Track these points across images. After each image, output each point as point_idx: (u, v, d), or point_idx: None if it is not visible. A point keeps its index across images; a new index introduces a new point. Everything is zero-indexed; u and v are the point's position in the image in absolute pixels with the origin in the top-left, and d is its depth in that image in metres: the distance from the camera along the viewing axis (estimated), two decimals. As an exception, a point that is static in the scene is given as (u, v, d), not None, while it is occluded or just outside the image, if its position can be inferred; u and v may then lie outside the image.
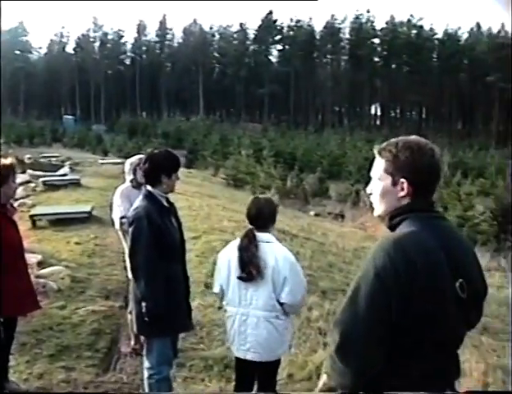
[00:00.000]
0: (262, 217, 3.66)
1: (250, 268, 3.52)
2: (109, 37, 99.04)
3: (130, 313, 4.62)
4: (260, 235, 3.62)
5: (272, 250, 3.59)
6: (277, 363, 3.78)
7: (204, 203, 14.01)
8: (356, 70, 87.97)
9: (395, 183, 1.99)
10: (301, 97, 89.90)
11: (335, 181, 27.48)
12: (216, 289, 3.82)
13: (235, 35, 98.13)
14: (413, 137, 2.08)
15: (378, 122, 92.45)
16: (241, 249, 3.59)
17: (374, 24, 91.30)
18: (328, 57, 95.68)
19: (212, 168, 29.54)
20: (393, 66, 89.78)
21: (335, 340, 1.84)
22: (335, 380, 1.90)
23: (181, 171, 4.57)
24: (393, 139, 2.07)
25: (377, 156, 2.08)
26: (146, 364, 3.87)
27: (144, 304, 3.63)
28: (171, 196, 3.99)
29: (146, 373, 3.87)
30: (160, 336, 3.79)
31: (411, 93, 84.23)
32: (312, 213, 19.87)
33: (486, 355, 6.15)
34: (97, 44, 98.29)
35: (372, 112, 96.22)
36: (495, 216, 13.45)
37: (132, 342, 5.33)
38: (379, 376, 1.83)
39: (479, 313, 2.08)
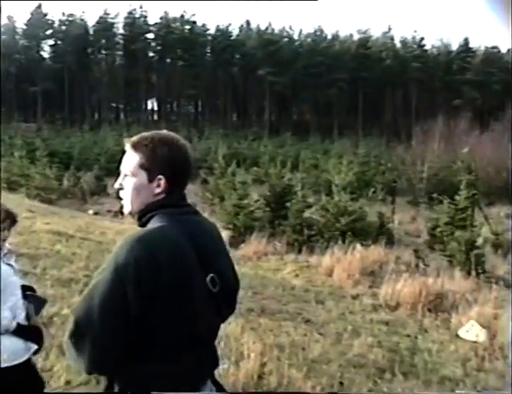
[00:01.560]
0: None
1: None
2: None
3: None
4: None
5: None
6: None
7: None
8: (131, 65, 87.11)
9: (151, 179, 1.94)
10: (76, 94, 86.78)
11: (113, 178, 27.03)
12: None
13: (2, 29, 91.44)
14: (166, 132, 2.05)
15: (156, 117, 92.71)
16: None
17: (147, 19, 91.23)
18: (103, 52, 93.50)
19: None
20: (168, 60, 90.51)
21: (69, 327, 1.80)
22: (72, 365, 1.88)
23: None
24: (147, 134, 2.00)
25: (129, 150, 1.98)
26: None
27: None
28: None
29: None
30: None
31: (187, 87, 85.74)
32: (90, 211, 19.42)
33: (263, 335, 6.53)
34: None
35: (149, 107, 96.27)
36: (268, 202, 14.31)
37: None
38: (140, 364, 1.83)
39: (233, 306, 2.14)
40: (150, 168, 1.93)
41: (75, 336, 1.79)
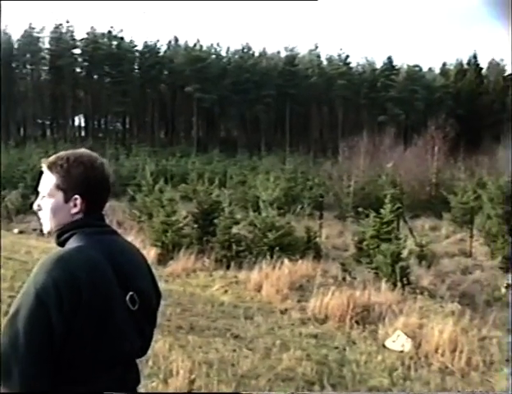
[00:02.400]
0: None
1: None
2: None
3: None
4: None
5: None
6: None
7: None
8: (58, 81, 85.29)
9: (67, 199, 1.95)
10: (0, 109, 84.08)
11: (39, 197, 26.40)
12: None
13: None
14: (83, 150, 2.06)
15: (83, 134, 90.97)
16: None
17: (74, 34, 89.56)
18: (28, 67, 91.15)
19: None
20: (95, 76, 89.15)
21: None
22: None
23: None
24: (62, 153, 2.02)
25: (46, 170, 2.00)
26: None
27: None
28: None
29: None
30: None
31: (114, 103, 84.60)
32: (16, 230, 18.79)
33: (192, 352, 6.48)
34: None
35: (76, 123, 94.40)
36: (196, 219, 14.25)
37: None
38: (63, 384, 1.80)
39: (153, 324, 2.13)
40: (66, 189, 1.95)
41: (4, 369, 1.74)
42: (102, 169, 2.01)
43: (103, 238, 1.97)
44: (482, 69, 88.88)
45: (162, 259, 12.87)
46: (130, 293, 1.90)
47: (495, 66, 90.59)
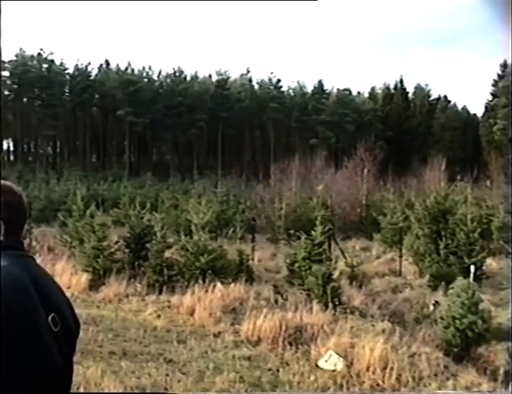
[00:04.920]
0: None
1: None
2: None
3: None
4: None
5: None
6: None
7: None
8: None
9: None
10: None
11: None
12: None
13: None
14: (2, 181, 2.08)
15: (12, 158, 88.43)
16: None
17: (2, 56, 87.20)
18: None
19: None
20: (24, 99, 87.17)
21: None
22: None
23: None
24: None
25: None
26: None
27: None
28: None
29: None
30: None
31: (44, 127, 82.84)
32: None
33: (125, 378, 6.41)
34: None
35: (5, 147, 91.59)
36: (128, 244, 14.12)
37: None
38: None
39: (73, 348, 2.12)
40: None
41: None
42: (21, 195, 2.06)
43: (25, 260, 2.00)
44: (408, 93, 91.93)
45: (94, 285, 12.68)
46: (52, 314, 1.92)
47: (420, 90, 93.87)
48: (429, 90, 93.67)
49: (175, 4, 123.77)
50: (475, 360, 8.52)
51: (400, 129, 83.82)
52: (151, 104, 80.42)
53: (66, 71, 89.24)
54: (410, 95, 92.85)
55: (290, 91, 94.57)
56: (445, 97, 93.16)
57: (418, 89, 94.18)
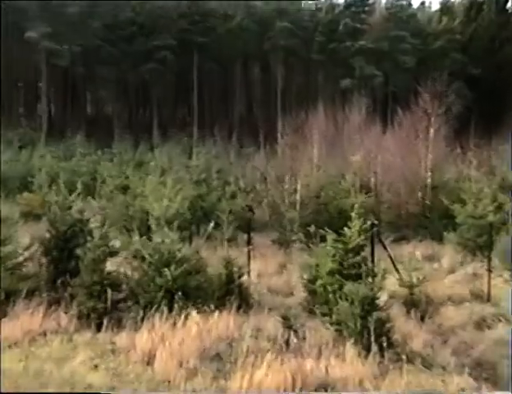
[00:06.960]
0: None
1: None
2: None
3: None
4: None
5: None
6: None
7: None
8: None
9: None
10: None
11: None
12: None
13: None
14: None
15: None
16: None
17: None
18: None
19: None
20: None
21: None
22: None
23: None
24: None
25: None
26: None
27: None
28: None
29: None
30: None
31: None
32: None
33: None
34: None
35: None
36: (48, 250, 14.21)
37: None
38: None
39: None
40: None
41: None
42: None
43: None
44: (507, 1, 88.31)
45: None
46: None
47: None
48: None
49: None
50: None
51: (492, 62, 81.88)
52: (82, 22, 78.91)
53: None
54: (510, 4, 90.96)
55: (310, 2, 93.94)
56: None
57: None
